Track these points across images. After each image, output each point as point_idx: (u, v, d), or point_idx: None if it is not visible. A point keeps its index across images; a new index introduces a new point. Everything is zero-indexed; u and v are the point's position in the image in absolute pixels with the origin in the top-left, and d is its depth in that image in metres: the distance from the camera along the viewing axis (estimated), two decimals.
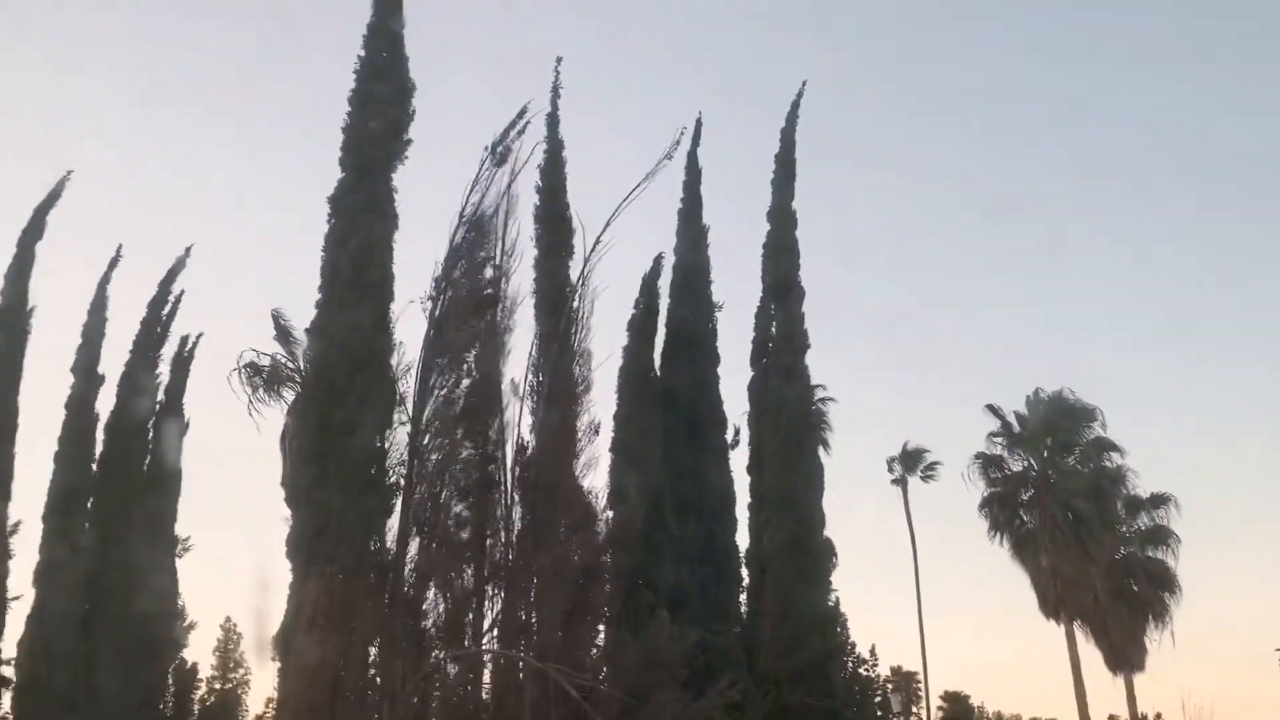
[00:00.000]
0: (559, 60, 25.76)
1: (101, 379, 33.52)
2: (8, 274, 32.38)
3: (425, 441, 20.30)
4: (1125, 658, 41.25)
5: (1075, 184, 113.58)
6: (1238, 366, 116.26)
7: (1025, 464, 41.34)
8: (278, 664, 19.31)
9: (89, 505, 31.56)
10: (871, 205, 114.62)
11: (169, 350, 35.09)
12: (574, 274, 23.77)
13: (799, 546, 27.27)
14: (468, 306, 21.50)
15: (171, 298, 35.42)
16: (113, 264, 35.41)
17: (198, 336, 35.77)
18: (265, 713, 35.64)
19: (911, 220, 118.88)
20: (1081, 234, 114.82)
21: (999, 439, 41.36)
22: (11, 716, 29.52)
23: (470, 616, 20.50)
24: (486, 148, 22.58)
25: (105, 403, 33.48)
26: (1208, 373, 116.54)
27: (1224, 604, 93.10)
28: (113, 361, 34.25)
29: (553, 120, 25.59)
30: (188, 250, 36.16)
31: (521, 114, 23.05)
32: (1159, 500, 42.87)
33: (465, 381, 21.20)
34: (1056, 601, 39.85)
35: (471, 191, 22.08)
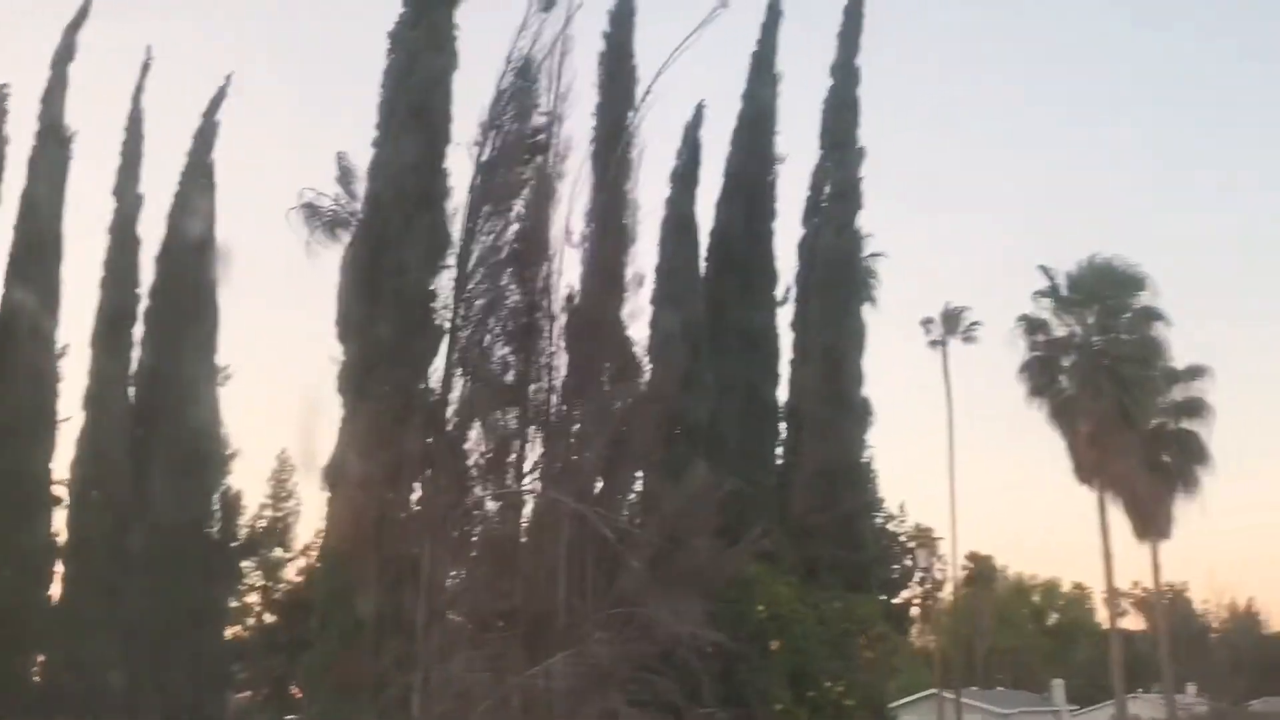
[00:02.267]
0: None
1: (141, 200, 33.57)
2: (43, 98, 32.09)
3: (471, 285, 20.34)
4: (1154, 526, 41.67)
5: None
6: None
7: (1070, 328, 41.11)
8: (327, 495, 19.91)
9: (138, 328, 31.95)
10: (942, 67, 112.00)
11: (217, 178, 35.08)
12: (631, 122, 23.32)
13: (837, 403, 27.45)
14: (516, 151, 21.23)
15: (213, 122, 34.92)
16: (144, 72, 34.81)
17: (230, 162, 35.72)
18: (314, 542, 36.72)
19: (979, 78, 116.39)
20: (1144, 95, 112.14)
21: (1046, 300, 41.11)
22: (65, 534, 30.43)
23: (512, 458, 20.85)
24: None
25: (148, 227, 33.80)
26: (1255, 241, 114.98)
27: (1256, 480, 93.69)
28: (154, 185, 34.34)
29: None
30: (229, 79, 35.69)
31: None
32: (1195, 372, 42.72)
33: (513, 227, 21.10)
34: (1091, 468, 40.08)
35: (519, 36, 21.50)
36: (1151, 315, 40.56)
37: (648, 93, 23.03)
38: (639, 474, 23.09)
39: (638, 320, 23.25)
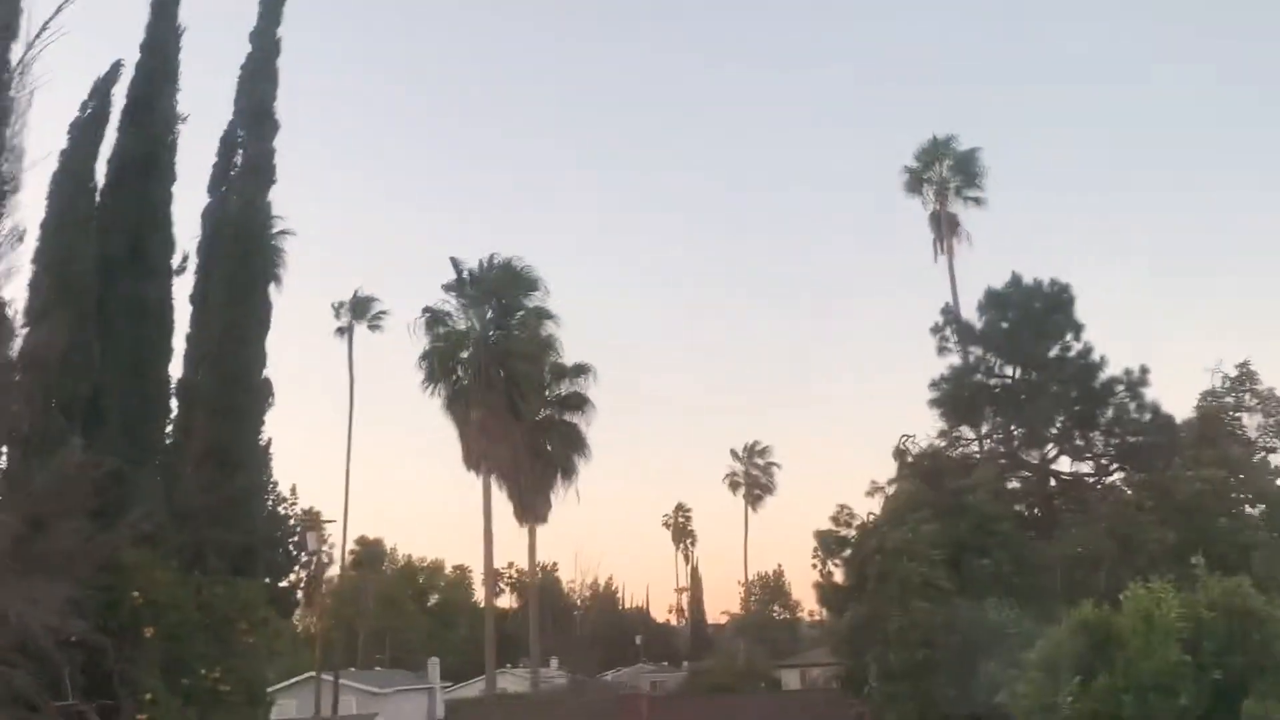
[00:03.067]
0: None
1: None
2: None
3: None
4: (533, 511, 45.04)
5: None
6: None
7: (470, 322, 43.21)
8: None
9: None
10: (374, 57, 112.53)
11: None
12: (15, 58, 21.04)
13: (236, 383, 26.57)
14: None
15: None
16: None
17: None
18: None
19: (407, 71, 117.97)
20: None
21: (451, 293, 42.98)
22: None
23: None
24: None
25: None
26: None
27: (626, 469, 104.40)
28: None
29: None
30: None
31: None
32: (580, 370, 47.06)
33: None
34: (479, 455, 42.43)
35: None
36: (543, 315, 43.85)
37: (44, 28, 20.98)
38: (3, 450, 21.05)
39: (14, 280, 21.18)
